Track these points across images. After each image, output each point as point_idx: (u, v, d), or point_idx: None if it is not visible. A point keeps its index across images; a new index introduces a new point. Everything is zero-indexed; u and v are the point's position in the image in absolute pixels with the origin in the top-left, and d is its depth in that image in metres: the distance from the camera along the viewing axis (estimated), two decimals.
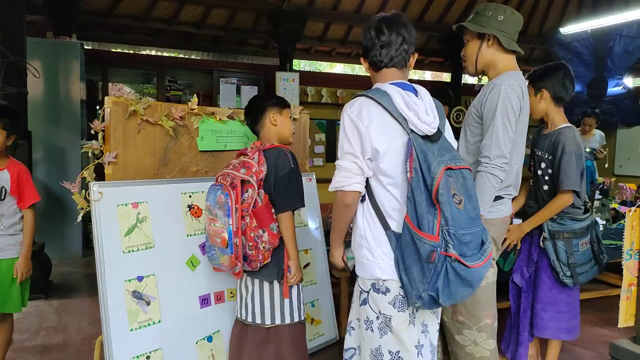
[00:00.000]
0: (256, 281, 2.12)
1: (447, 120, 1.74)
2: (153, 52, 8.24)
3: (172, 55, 8.11)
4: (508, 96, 1.91)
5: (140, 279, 2.20)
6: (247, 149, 2.13)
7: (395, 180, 1.60)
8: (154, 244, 2.26)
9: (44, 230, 4.54)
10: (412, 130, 1.55)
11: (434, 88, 9.35)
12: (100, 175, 2.28)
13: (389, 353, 1.63)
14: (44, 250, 4.13)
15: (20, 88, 3.86)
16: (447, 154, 1.55)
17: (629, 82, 9.39)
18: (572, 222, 2.27)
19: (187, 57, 8.10)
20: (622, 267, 2.12)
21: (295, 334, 2.16)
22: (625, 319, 2.13)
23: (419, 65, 10.22)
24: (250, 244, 1.99)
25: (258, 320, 2.12)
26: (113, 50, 7.59)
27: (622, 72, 7.78)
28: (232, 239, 1.96)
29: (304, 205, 2.15)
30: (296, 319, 2.15)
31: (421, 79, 11.53)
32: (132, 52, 7.76)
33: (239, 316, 2.20)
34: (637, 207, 2.12)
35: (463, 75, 9.31)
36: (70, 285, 4.23)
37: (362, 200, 1.68)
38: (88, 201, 2.15)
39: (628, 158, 8.10)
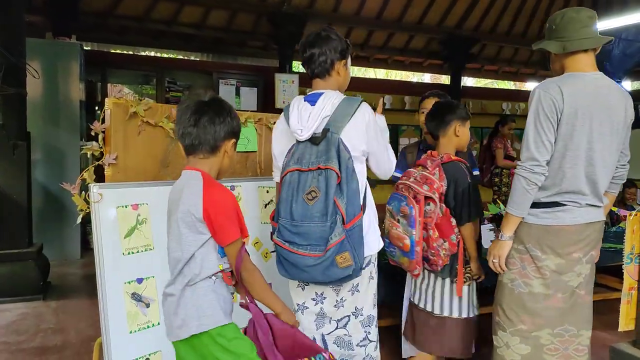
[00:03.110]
0: (432, 275, 2.30)
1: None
2: (152, 54, 8.23)
3: (172, 56, 8.11)
4: (539, 97, 1.89)
5: (139, 281, 2.19)
6: (427, 161, 2.27)
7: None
8: (154, 245, 2.25)
9: (42, 231, 4.53)
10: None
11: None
12: (100, 177, 2.27)
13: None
14: (42, 251, 4.12)
15: (19, 89, 3.85)
16: (307, 158, 1.79)
17: (627, 85, 9.43)
18: None
19: (186, 58, 8.09)
20: (623, 270, 2.12)
21: (461, 328, 2.29)
22: (625, 322, 2.13)
23: (418, 68, 10.25)
24: (433, 251, 2.16)
25: (429, 308, 2.31)
26: (112, 51, 7.58)
27: (621, 76, 7.80)
28: (414, 246, 2.14)
29: (482, 215, 2.40)
30: (464, 315, 2.28)
31: (420, 81, 11.54)
32: (131, 53, 7.75)
33: (412, 300, 2.43)
34: (638, 211, 2.12)
35: (462, 77, 9.33)
36: (69, 287, 4.22)
37: None
38: (88, 203, 2.14)
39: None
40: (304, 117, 1.83)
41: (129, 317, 2.13)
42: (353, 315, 1.96)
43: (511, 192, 1.95)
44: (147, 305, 2.18)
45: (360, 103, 1.86)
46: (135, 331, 2.13)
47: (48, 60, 4.95)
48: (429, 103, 2.66)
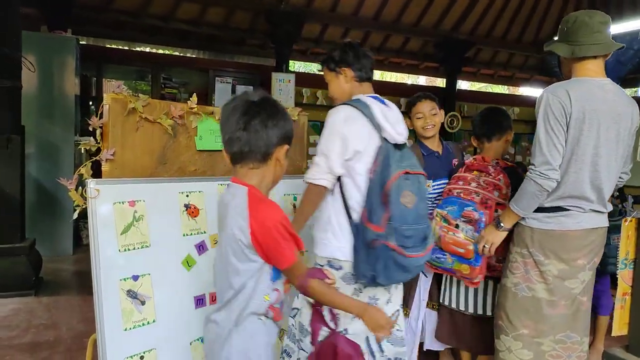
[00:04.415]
0: (489, 280, 2.34)
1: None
2: (148, 49, 8.19)
3: (168, 52, 8.07)
4: (548, 101, 1.88)
5: (135, 278, 2.18)
6: (487, 167, 2.30)
7: (363, 178, 1.88)
8: (150, 243, 2.24)
9: (34, 226, 4.49)
10: (385, 138, 1.86)
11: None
12: (96, 173, 2.25)
13: None
14: (35, 246, 4.08)
15: (14, 82, 3.82)
16: (407, 161, 1.86)
17: None
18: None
19: (182, 55, 8.05)
20: (617, 276, 2.14)
21: None
22: (619, 327, 2.15)
23: (413, 70, 10.27)
24: (500, 257, 2.18)
25: (480, 311, 2.38)
26: (108, 46, 7.53)
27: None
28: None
29: None
30: None
31: (415, 83, 11.57)
32: (126, 48, 7.70)
33: (449, 304, 2.49)
34: (633, 217, 2.14)
35: (457, 80, 9.37)
36: (61, 283, 4.18)
37: (332, 193, 1.97)
38: (84, 198, 2.12)
39: None
40: (391, 118, 1.93)
41: (124, 314, 2.11)
42: (401, 307, 2.07)
43: (520, 192, 1.93)
44: (143, 303, 2.17)
45: None
46: (130, 328, 2.11)
47: (44, 53, 4.91)
48: (425, 107, 2.61)
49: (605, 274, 2.62)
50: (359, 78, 2.05)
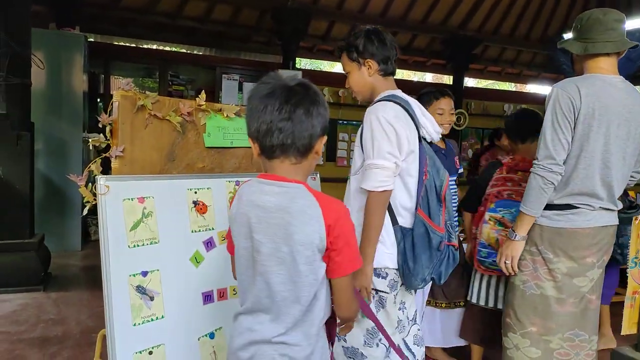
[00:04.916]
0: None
1: None
2: (155, 47, 8.21)
3: (175, 50, 8.08)
4: (557, 96, 1.87)
5: (144, 274, 2.19)
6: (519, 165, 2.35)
7: (414, 179, 1.79)
8: (159, 239, 2.25)
9: (43, 222, 4.52)
10: (423, 137, 1.81)
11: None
12: (105, 169, 2.26)
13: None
14: (44, 242, 4.11)
15: (24, 79, 3.84)
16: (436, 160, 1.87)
17: None
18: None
19: (189, 52, 8.06)
20: (627, 274, 2.13)
21: None
22: (628, 326, 2.14)
23: (420, 67, 10.23)
24: None
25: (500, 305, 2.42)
26: (115, 43, 7.55)
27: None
28: None
29: None
30: None
31: (421, 80, 11.54)
32: (134, 45, 7.72)
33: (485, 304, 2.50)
34: None
35: (464, 77, 9.32)
36: (69, 278, 4.22)
37: None
38: (94, 195, 2.13)
39: None
40: (429, 116, 1.92)
41: (133, 309, 2.13)
42: (421, 307, 2.12)
43: (526, 191, 1.92)
44: (152, 299, 2.18)
45: None
46: (139, 324, 2.12)
47: (52, 50, 4.94)
48: (447, 104, 2.58)
49: (611, 266, 2.66)
50: (383, 72, 1.87)
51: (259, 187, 1.22)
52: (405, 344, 1.94)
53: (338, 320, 1.31)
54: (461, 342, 2.71)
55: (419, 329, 2.01)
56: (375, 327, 1.80)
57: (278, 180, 1.20)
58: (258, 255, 1.19)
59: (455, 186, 2.61)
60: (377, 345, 1.84)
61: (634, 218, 2.12)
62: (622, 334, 2.17)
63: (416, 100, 1.95)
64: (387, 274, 1.83)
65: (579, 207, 1.90)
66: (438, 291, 2.67)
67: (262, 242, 1.18)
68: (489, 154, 5.34)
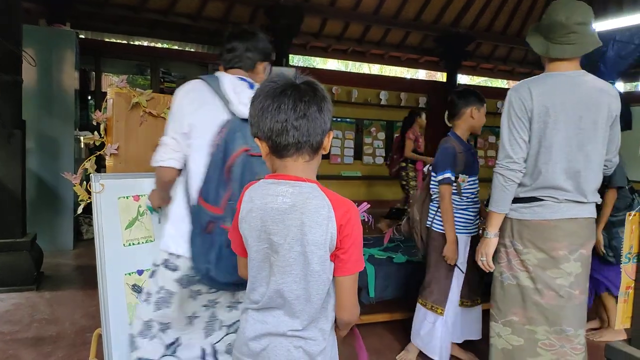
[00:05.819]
0: None
1: None
2: (146, 43, 8.15)
3: (167, 46, 8.03)
4: (510, 99, 1.99)
5: (140, 272, 2.18)
6: None
7: (202, 155, 1.65)
8: (154, 237, 2.24)
9: (35, 221, 4.48)
10: (233, 113, 1.68)
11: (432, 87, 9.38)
12: (98, 167, 2.25)
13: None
14: (36, 241, 4.08)
15: (15, 76, 3.80)
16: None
17: (620, 86, 9.50)
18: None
19: (181, 49, 8.02)
20: (621, 269, 2.15)
21: None
22: (622, 320, 2.15)
23: (413, 64, 10.25)
24: None
25: None
26: (106, 40, 7.49)
27: (615, 77, 7.83)
28: None
29: None
30: None
31: (414, 77, 11.55)
32: (125, 42, 7.67)
33: None
34: (637, 211, 2.15)
35: (458, 74, 9.36)
36: (62, 277, 4.18)
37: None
38: (89, 193, 2.12)
39: None
40: (242, 92, 1.81)
41: (130, 308, 2.12)
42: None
43: (491, 190, 2.04)
44: None
45: None
46: None
47: (43, 47, 4.87)
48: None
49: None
50: (225, 65, 1.91)
51: (271, 188, 1.21)
52: (214, 349, 1.86)
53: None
54: (473, 336, 2.73)
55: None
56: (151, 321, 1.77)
57: (291, 179, 1.20)
58: (276, 256, 1.20)
59: (476, 183, 2.67)
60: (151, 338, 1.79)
61: (627, 214, 2.14)
62: (615, 328, 2.19)
63: (234, 77, 1.83)
64: (176, 266, 1.74)
65: (544, 200, 1.97)
66: (466, 290, 2.65)
67: (280, 243, 1.18)
68: (410, 132, 6.06)
